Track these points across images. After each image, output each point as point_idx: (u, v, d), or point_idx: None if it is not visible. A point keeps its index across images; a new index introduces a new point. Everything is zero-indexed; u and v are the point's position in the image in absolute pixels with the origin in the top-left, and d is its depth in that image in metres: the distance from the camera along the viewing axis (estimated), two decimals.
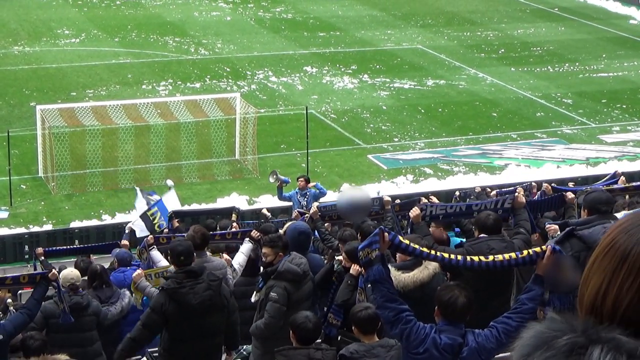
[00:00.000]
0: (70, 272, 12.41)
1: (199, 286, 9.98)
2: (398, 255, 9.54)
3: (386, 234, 7.47)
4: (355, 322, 8.69)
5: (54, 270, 11.76)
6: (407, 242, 7.68)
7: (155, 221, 20.40)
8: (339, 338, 10.01)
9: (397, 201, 16.62)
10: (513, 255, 7.74)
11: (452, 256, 7.85)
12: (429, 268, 9.25)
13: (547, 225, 10.90)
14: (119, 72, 41.19)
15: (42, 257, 16.73)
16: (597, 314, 2.25)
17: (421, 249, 7.73)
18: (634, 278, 2.23)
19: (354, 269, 10.42)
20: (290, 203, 23.19)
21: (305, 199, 22.27)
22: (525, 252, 7.82)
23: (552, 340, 2.09)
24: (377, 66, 43.68)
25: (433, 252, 7.83)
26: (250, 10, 53.67)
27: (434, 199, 15.88)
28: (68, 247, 20.10)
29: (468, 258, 7.79)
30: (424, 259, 7.91)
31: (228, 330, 10.38)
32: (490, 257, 7.78)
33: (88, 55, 43.34)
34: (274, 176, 24.29)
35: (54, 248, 19.96)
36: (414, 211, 11.03)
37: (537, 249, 7.71)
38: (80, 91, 38.19)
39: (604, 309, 2.24)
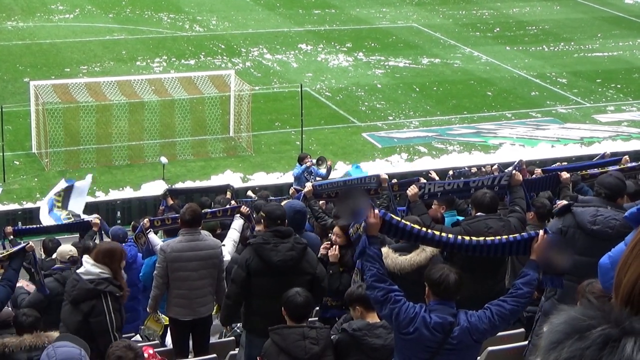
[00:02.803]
0: (66, 247, 12.41)
1: (283, 245, 10.04)
2: None
3: (376, 210, 7.43)
4: (357, 300, 8.63)
5: (30, 243, 11.75)
6: (398, 218, 7.64)
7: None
8: (337, 319, 9.99)
9: (394, 180, 16.62)
10: (505, 236, 7.72)
11: (444, 234, 7.81)
12: (427, 251, 9.22)
13: (557, 202, 10.83)
14: (113, 48, 41.06)
15: (11, 237, 16.63)
16: (633, 303, 2.20)
17: (412, 225, 7.69)
18: None
19: (332, 255, 10.44)
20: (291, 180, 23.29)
21: (312, 176, 22.39)
22: (516, 234, 7.82)
23: (586, 330, 2.04)
24: (372, 44, 43.59)
25: (424, 229, 7.78)
26: None
27: (434, 174, 15.86)
28: (38, 226, 19.90)
29: (459, 237, 7.78)
30: (415, 237, 7.83)
31: (317, 295, 10.30)
32: (481, 237, 7.77)
33: (82, 31, 43.18)
34: (320, 162, 24.09)
35: (25, 227, 19.79)
36: (412, 189, 11.01)
37: (530, 232, 7.72)
38: (74, 67, 38.08)
39: None
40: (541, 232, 7.55)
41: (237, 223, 12.94)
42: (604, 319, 2.06)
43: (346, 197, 11.90)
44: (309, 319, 8.93)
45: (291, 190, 16.18)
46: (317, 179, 21.95)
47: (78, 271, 9.58)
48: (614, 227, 8.79)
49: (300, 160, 23.86)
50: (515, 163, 18.35)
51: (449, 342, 7.20)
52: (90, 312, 9.49)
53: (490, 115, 35.33)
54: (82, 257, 12.76)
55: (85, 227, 16.77)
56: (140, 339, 12.72)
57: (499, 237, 7.69)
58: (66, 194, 20.74)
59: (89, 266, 9.58)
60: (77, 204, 20.65)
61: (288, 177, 26.71)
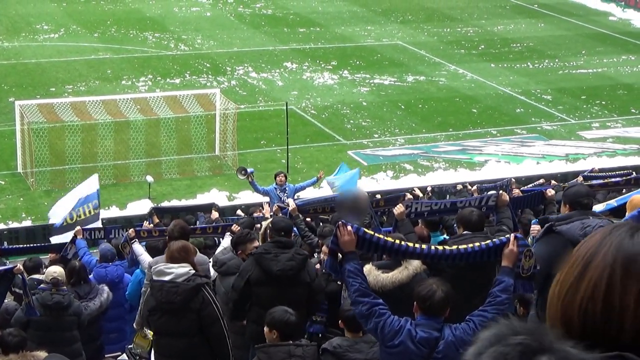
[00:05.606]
0: (55, 268, 12.39)
1: (283, 255, 10.20)
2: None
3: (349, 227, 7.47)
4: (343, 319, 8.70)
5: (19, 265, 11.72)
6: (371, 232, 7.69)
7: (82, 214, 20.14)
8: (320, 335, 10.02)
9: (378, 196, 16.65)
10: (477, 244, 7.79)
11: (417, 245, 7.88)
12: (409, 269, 9.20)
13: (532, 226, 10.91)
14: (98, 67, 41.05)
15: None
16: (559, 323, 2.26)
17: (386, 238, 7.73)
18: (594, 288, 2.24)
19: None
20: (266, 198, 23.24)
21: (285, 194, 22.39)
22: (487, 240, 7.87)
23: (507, 337, 2.06)
24: (357, 62, 43.69)
25: (398, 241, 7.82)
26: (230, 6, 53.62)
27: (417, 191, 15.86)
28: (24, 245, 19.80)
29: (432, 247, 7.86)
30: (389, 250, 7.88)
31: (310, 309, 10.43)
32: (454, 246, 7.84)
33: (67, 51, 43.18)
34: (242, 172, 24.25)
35: (10, 247, 19.73)
36: (399, 208, 10.96)
37: (501, 237, 7.78)
38: (60, 87, 38.05)
39: (568, 318, 2.25)
40: (512, 236, 7.61)
41: (227, 241, 12.92)
42: (527, 332, 2.08)
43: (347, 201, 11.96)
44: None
45: (274, 208, 16.19)
46: (286, 195, 22.05)
47: (166, 279, 9.53)
48: None
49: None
50: (505, 182, 18.45)
51: (434, 357, 7.23)
52: (200, 307, 9.52)
53: (476, 132, 35.41)
54: (70, 277, 12.78)
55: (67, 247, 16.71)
56: (127, 358, 12.70)
57: (471, 245, 7.75)
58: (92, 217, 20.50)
59: (175, 270, 9.56)
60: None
61: None
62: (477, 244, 7.79)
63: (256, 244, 11.24)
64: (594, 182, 15.38)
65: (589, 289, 2.24)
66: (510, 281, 7.47)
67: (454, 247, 7.82)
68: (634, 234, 2.27)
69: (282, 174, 23.57)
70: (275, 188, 22.98)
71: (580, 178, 16.78)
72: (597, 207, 11.02)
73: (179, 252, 9.72)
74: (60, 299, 11.91)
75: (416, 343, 7.20)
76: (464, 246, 7.79)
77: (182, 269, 9.55)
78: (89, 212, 20.18)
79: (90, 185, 21.36)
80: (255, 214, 20.62)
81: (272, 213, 16.26)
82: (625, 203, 11.19)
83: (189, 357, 9.66)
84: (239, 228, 13.47)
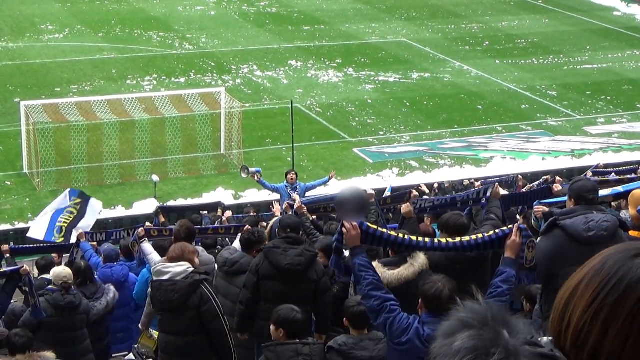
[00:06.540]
0: (62, 270, 12.35)
1: (292, 250, 10.33)
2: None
3: (354, 222, 7.50)
4: (348, 316, 8.69)
5: (25, 266, 11.73)
6: (375, 227, 7.72)
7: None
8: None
9: (388, 194, 16.67)
10: (480, 235, 7.81)
11: (421, 239, 7.94)
12: (415, 265, 9.18)
13: (535, 207, 10.92)
14: (103, 67, 41.05)
15: (7, 255, 16.59)
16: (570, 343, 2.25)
17: (389, 232, 7.79)
18: (565, 291, 2.27)
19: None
20: (277, 196, 23.28)
21: (296, 192, 22.45)
22: (491, 231, 7.88)
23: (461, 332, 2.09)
24: (362, 60, 43.67)
25: (401, 235, 7.88)
26: (235, 5, 53.60)
27: (424, 187, 15.93)
28: (35, 245, 19.81)
29: (436, 240, 7.93)
30: (392, 244, 7.93)
31: (317, 309, 10.48)
32: (458, 238, 7.87)
33: (72, 51, 43.18)
34: (246, 171, 24.36)
35: (20, 246, 19.75)
36: (406, 207, 11.08)
37: (504, 228, 7.79)
38: (65, 87, 38.05)
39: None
40: (515, 227, 7.61)
41: (236, 242, 12.91)
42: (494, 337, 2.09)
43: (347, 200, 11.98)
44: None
45: (284, 205, 16.20)
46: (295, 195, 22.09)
47: (165, 278, 9.53)
48: (607, 228, 8.72)
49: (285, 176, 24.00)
50: (511, 178, 18.51)
51: None
52: (199, 303, 9.50)
53: (481, 129, 35.39)
54: (76, 277, 12.77)
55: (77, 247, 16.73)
56: (134, 358, 12.71)
57: (474, 237, 7.77)
58: (82, 208, 20.25)
59: (173, 268, 9.56)
60: (88, 221, 20.26)
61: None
62: (480, 235, 7.81)
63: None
64: (610, 177, 15.35)
65: (565, 291, 2.27)
66: (512, 272, 7.46)
67: (457, 239, 7.84)
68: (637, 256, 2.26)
69: (293, 172, 23.67)
70: (286, 186, 23.08)
71: (589, 173, 16.79)
72: (603, 192, 11.03)
73: (176, 252, 9.74)
74: (72, 299, 11.93)
75: (423, 341, 7.19)
76: (467, 238, 7.81)
77: (179, 268, 9.55)
78: (73, 209, 20.01)
79: (63, 199, 21.00)
80: (251, 213, 20.62)
81: (282, 211, 16.30)
82: (630, 191, 11.17)
83: (191, 356, 9.65)
84: (250, 228, 13.52)
